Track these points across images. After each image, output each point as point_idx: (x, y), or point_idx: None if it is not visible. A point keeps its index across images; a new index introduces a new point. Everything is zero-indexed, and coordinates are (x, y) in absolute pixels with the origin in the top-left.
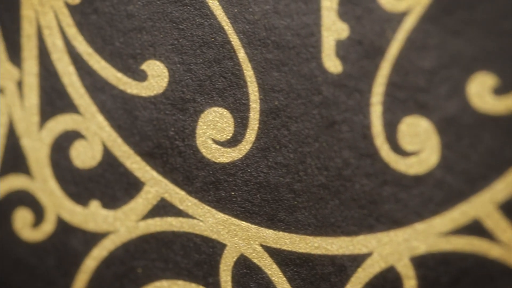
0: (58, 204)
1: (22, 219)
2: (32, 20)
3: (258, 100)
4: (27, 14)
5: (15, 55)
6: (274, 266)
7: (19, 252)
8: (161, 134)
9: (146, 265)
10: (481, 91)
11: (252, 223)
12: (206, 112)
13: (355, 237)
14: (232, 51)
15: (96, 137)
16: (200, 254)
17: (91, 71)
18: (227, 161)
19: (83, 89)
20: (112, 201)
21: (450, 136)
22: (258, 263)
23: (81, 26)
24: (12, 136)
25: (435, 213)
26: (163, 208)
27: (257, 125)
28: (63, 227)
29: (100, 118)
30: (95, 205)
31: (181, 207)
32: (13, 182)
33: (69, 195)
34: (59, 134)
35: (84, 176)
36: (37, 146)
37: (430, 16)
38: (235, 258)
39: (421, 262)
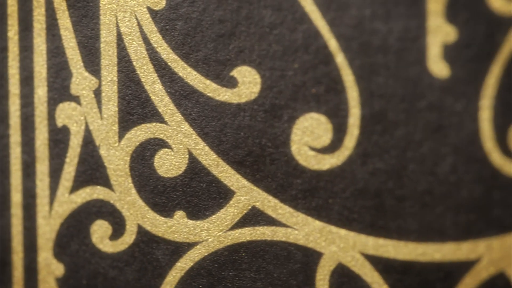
0: (139, 214)
1: (101, 230)
2: (112, 27)
3: (358, 105)
4: (107, 20)
5: (92, 63)
6: (375, 274)
7: (98, 264)
8: (252, 141)
9: (235, 276)
10: None
11: (351, 230)
12: (301, 119)
13: (462, 243)
14: (329, 56)
15: (181, 146)
16: (294, 263)
17: (176, 78)
18: (324, 168)
19: (167, 97)
20: (198, 211)
21: None
22: (357, 272)
23: (166, 32)
24: (89, 146)
25: None
26: (254, 217)
27: (357, 130)
28: (145, 238)
29: (186, 126)
30: (180, 215)
31: (274, 216)
32: (91, 193)
33: (152, 205)
34: (141, 143)
35: (168, 186)
36: (117, 156)
37: None
38: (333, 267)
39: None
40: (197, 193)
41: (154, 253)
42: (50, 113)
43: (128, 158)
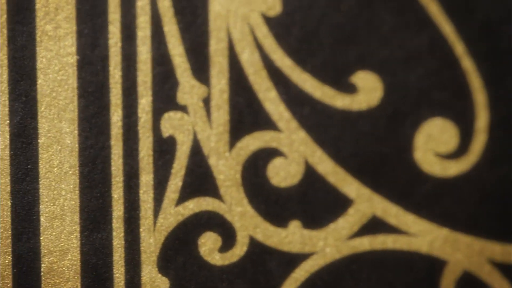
0: (251, 225)
1: (210, 242)
2: (222, 33)
3: (486, 110)
4: (217, 27)
5: (201, 71)
6: (504, 281)
7: (206, 278)
8: (372, 148)
9: (355, 286)
10: None
11: (477, 237)
12: (425, 124)
13: None
14: (455, 60)
15: (297, 154)
16: (417, 272)
17: (292, 85)
18: (450, 174)
19: (282, 105)
20: (315, 220)
21: None
22: (485, 280)
23: (281, 39)
24: (197, 156)
25: None
26: (374, 225)
27: (485, 136)
28: (257, 250)
29: (301, 134)
30: (295, 225)
31: (396, 224)
32: (199, 205)
33: (265, 216)
34: (254, 152)
35: (282, 196)
36: (227, 165)
37: None
38: (458, 275)
39: None
40: (313, 202)
41: (266, 264)
42: (155, 123)
43: (239, 168)
